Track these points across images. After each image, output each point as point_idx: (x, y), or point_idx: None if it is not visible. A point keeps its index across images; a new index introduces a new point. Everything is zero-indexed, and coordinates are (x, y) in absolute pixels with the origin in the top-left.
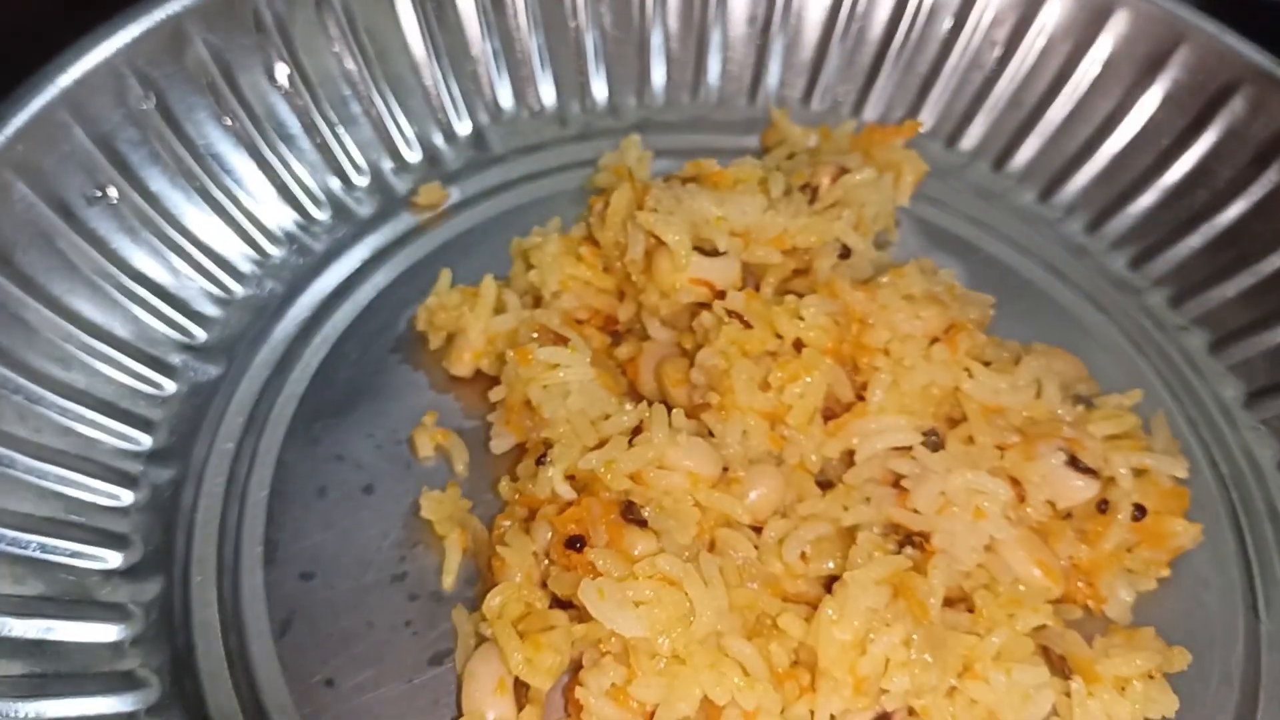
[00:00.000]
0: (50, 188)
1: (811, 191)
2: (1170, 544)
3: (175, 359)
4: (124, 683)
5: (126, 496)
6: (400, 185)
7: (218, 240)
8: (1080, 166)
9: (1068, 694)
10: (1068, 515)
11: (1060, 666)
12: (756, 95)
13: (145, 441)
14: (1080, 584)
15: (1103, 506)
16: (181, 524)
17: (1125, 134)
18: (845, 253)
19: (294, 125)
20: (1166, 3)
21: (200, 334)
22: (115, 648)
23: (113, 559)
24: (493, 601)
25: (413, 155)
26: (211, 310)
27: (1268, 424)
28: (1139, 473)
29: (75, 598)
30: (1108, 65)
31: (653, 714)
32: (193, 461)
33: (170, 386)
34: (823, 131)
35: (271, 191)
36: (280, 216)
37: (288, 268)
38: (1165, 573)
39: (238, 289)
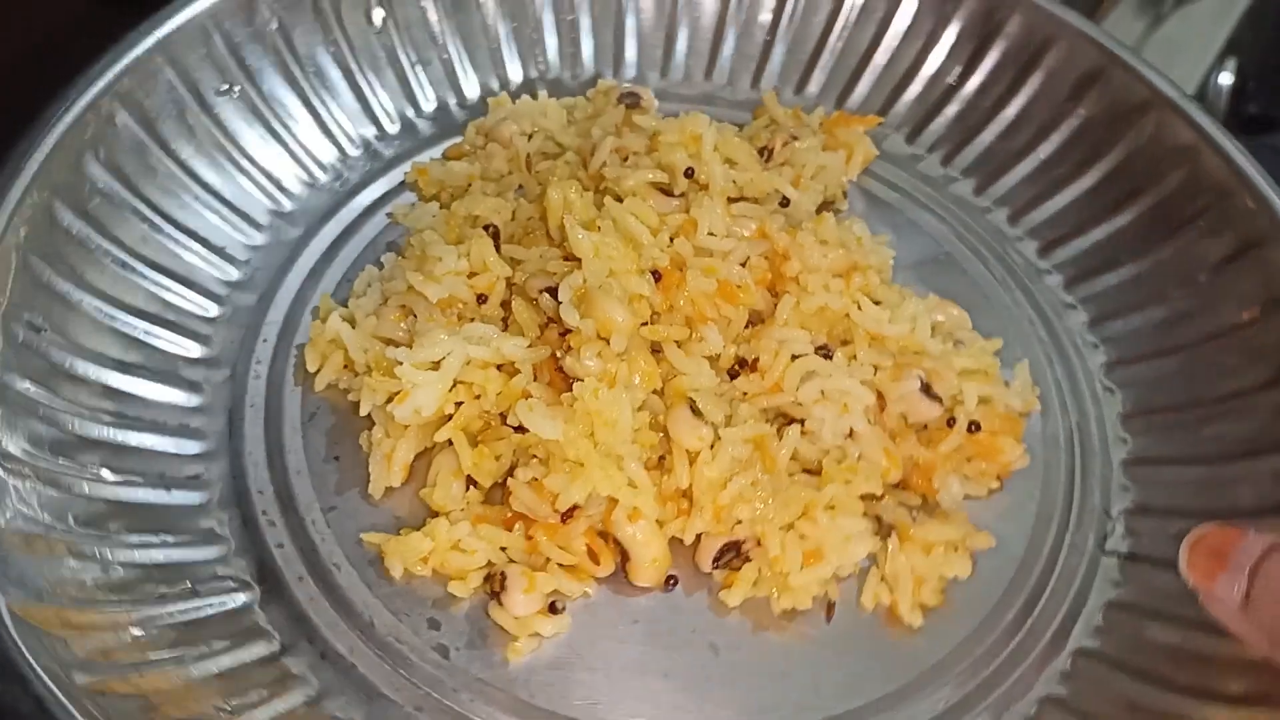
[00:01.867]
0: (191, 78)
1: (767, 153)
2: (1000, 459)
3: (264, 219)
4: (186, 433)
5: (213, 309)
6: (460, 115)
7: (311, 139)
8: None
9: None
10: (924, 428)
11: (886, 531)
12: (758, 83)
13: (234, 273)
14: (919, 477)
15: (950, 423)
16: (249, 337)
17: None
18: (785, 202)
19: (382, 58)
20: None
21: (287, 204)
22: (184, 409)
23: (195, 350)
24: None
25: (472, 92)
26: (298, 189)
27: (1119, 384)
28: (984, 401)
29: (164, 370)
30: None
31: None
32: (267, 291)
33: (258, 237)
34: (794, 112)
35: (357, 107)
36: (361, 128)
37: (360, 167)
38: (997, 485)
39: (321, 176)
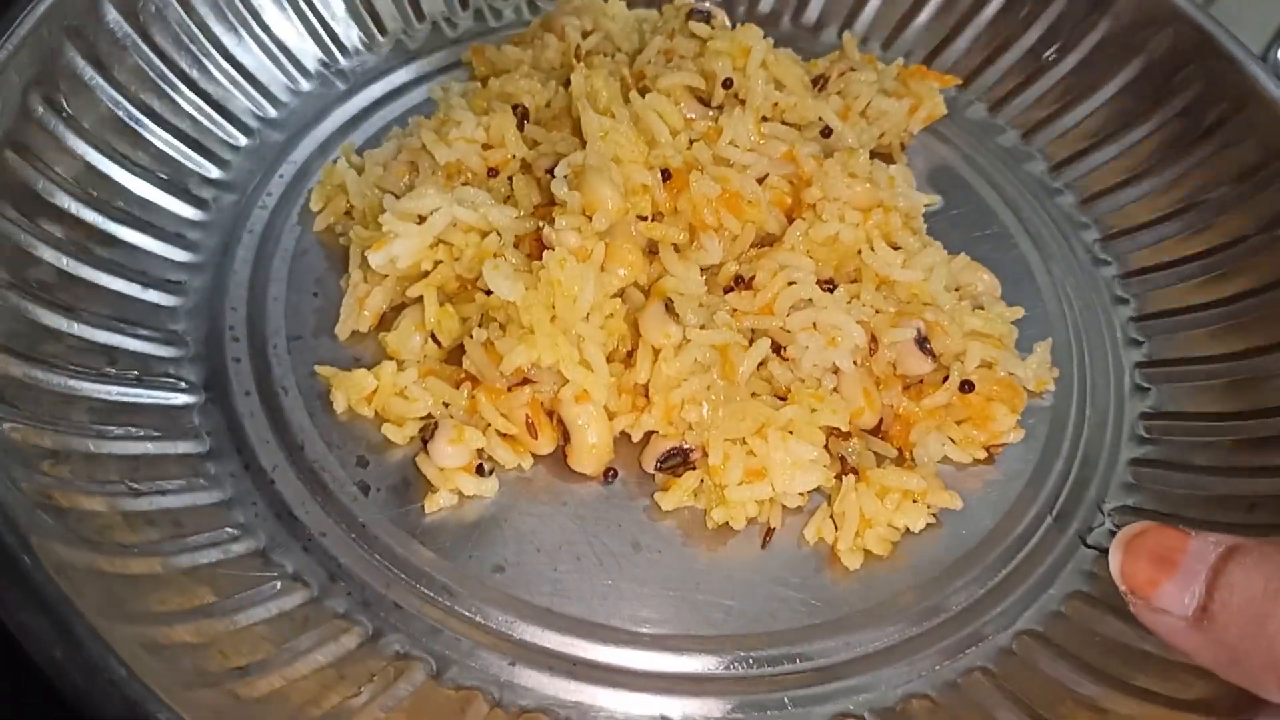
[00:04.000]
0: None
1: (822, 81)
2: (990, 428)
3: (313, 68)
4: (180, 242)
5: (241, 139)
6: (449, 31)
7: (294, 43)
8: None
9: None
10: (919, 382)
11: (848, 472)
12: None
13: (270, 111)
14: (899, 428)
15: (945, 381)
16: (268, 171)
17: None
18: (827, 131)
19: None
20: None
21: (341, 60)
22: (186, 221)
23: (212, 171)
24: None
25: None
26: (357, 47)
27: (1152, 382)
28: (987, 364)
29: (176, 181)
30: None
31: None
32: (297, 134)
33: (304, 84)
34: (869, 58)
35: (347, 15)
36: (349, 34)
37: (421, 38)
38: (982, 454)
39: (381, 38)
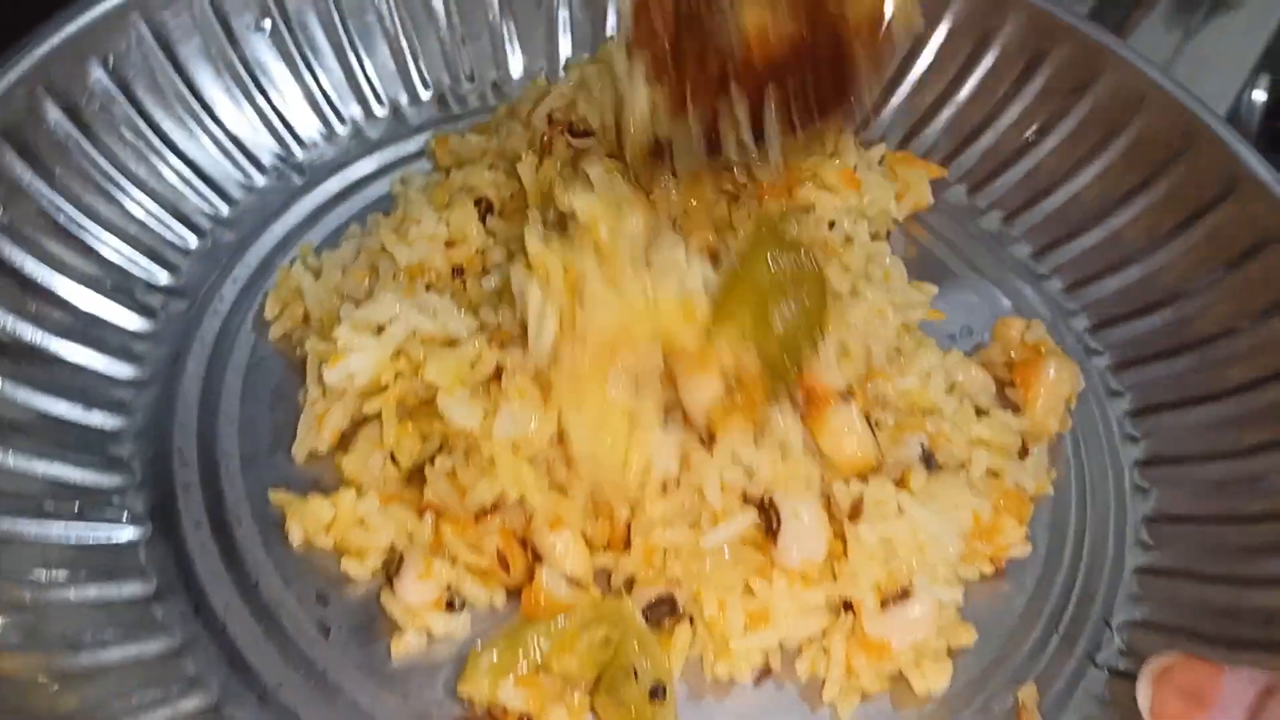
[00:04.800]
0: (223, 8)
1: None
2: (998, 540)
3: (269, 162)
4: (125, 355)
5: (192, 241)
6: (413, 117)
7: (338, 88)
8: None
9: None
10: None
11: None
12: None
13: (223, 209)
14: None
15: None
16: (220, 275)
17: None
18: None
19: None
20: None
21: (299, 153)
22: (131, 333)
23: (161, 278)
24: None
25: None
26: (315, 139)
27: (1155, 483)
28: (993, 474)
29: (121, 289)
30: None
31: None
32: (251, 233)
33: (258, 179)
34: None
35: (393, 69)
36: (393, 90)
37: (382, 128)
38: (990, 569)
39: (340, 129)
